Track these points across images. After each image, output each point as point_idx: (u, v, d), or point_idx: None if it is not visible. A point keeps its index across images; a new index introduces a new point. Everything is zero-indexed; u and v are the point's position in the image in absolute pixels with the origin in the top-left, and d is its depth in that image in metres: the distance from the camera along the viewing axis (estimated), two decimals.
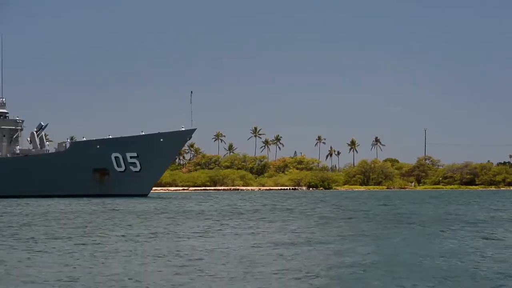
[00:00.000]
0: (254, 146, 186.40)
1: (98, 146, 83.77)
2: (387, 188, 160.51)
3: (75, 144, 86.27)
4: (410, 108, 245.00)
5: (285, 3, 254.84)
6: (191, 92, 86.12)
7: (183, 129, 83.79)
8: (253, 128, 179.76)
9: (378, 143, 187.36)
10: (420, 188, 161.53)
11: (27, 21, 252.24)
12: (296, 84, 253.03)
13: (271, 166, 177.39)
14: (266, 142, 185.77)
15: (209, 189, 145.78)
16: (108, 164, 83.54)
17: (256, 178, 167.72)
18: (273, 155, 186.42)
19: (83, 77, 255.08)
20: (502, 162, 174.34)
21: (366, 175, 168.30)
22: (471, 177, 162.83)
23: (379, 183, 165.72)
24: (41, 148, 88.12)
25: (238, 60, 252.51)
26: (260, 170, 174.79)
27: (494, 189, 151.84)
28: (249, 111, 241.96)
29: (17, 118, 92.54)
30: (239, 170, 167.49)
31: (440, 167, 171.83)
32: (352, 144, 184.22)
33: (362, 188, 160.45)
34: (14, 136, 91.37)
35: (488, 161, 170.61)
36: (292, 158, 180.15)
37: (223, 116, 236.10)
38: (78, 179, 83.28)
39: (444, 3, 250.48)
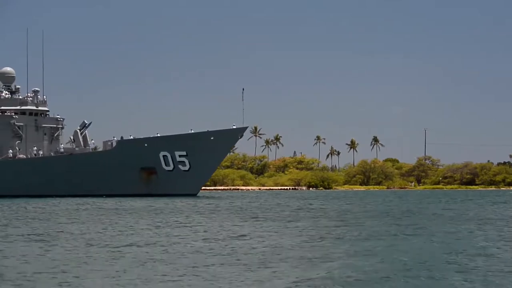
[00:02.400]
0: (254, 146, 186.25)
1: (146, 145, 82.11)
2: (387, 188, 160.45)
3: (122, 143, 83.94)
4: (410, 108, 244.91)
5: (284, 2, 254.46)
6: (243, 89, 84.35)
7: (234, 127, 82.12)
8: (253, 128, 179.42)
9: (378, 143, 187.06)
10: (420, 188, 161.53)
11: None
12: (296, 83, 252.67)
13: (271, 166, 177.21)
14: (266, 142, 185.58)
15: (209, 189, 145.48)
16: (156, 163, 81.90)
17: (256, 178, 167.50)
18: (273, 155, 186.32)
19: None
20: (502, 162, 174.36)
21: (366, 175, 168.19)
22: (471, 177, 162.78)
23: (379, 183, 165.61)
24: (84, 146, 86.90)
25: (238, 60, 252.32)
26: (260, 170, 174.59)
27: (494, 189, 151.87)
28: (249, 111, 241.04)
29: (58, 116, 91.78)
30: (239, 170, 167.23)
31: (440, 167, 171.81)
32: (352, 144, 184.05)
33: (362, 188, 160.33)
34: (55, 135, 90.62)
35: (488, 161, 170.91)
36: (292, 158, 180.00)
37: (223, 116, 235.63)
38: (124, 178, 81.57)
39: (444, 3, 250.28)
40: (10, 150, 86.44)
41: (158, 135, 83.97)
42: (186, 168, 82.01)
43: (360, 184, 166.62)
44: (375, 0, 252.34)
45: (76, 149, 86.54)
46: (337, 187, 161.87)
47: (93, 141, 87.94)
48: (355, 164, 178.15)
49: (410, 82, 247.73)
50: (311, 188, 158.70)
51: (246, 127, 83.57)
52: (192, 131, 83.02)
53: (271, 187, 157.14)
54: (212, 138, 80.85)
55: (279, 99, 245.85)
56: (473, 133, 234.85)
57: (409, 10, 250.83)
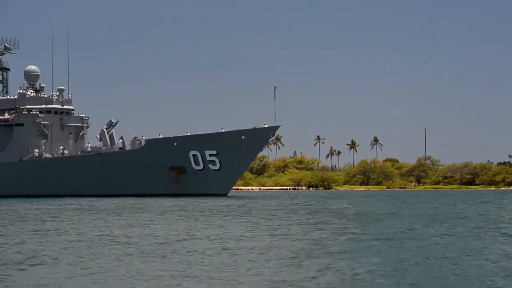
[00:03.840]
0: None
1: (175, 144, 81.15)
2: (387, 188, 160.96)
3: (151, 142, 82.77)
4: (410, 108, 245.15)
5: (283, 1, 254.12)
6: (275, 87, 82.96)
7: (266, 125, 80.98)
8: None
9: (378, 143, 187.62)
10: (420, 188, 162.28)
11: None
12: (295, 83, 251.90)
13: (271, 166, 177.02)
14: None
15: None
16: (185, 162, 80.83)
17: (256, 178, 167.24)
18: (273, 155, 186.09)
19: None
20: (502, 162, 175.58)
21: (366, 175, 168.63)
22: (471, 177, 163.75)
23: (379, 183, 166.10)
24: (111, 145, 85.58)
25: (238, 60, 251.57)
26: (260, 170, 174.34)
27: (494, 189, 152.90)
28: (249, 111, 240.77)
29: (83, 115, 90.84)
30: None
31: (440, 167, 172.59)
32: (352, 144, 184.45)
33: (362, 188, 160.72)
34: (81, 134, 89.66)
35: (488, 161, 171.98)
36: (292, 158, 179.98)
37: (223, 116, 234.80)
38: (153, 178, 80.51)
39: (444, 3, 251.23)
40: (36, 150, 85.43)
41: (188, 134, 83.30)
42: (217, 167, 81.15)
43: (360, 184, 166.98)
44: (375, 0, 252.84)
45: (103, 148, 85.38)
46: (337, 187, 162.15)
47: (121, 140, 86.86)
48: (355, 164, 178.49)
49: (410, 82, 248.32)
50: (311, 188, 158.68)
51: (278, 126, 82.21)
52: (223, 130, 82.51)
53: (271, 187, 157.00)
54: (243, 137, 79.94)
55: (279, 98, 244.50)
56: (473, 133, 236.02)
57: (409, 10, 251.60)
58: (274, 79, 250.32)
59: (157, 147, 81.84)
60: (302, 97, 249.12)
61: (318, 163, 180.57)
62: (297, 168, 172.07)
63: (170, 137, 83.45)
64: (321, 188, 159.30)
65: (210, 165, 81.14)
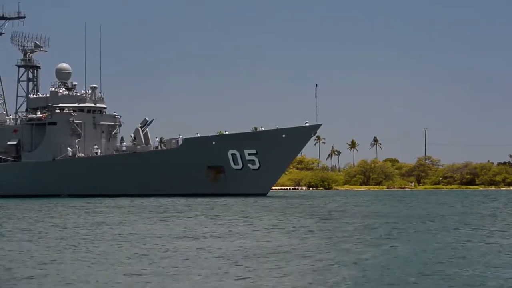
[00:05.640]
0: None
1: (213, 143, 79.94)
2: (387, 188, 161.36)
3: (188, 141, 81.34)
4: (410, 108, 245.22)
5: (284, 2, 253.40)
6: (316, 85, 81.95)
7: (307, 124, 79.88)
8: (253, 128, 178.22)
9: (377, 143, 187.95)
10: (420, 188, 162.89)
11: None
12: (295, 83, 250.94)
13: None
14: None
15: None
16: (224, 161, 79.55)
17: None
18: None
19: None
20: (502, 162, 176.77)
21: (366, 175, 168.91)
22: (471, 177, 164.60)
23: (379, 183, 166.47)
24: (146, 144, 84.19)
25: (237, 60, 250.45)
26: None
27: (494, 189, 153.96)
28: (249, 111, 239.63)
29: (115, 114, 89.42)
30: None
31: (440, 167, 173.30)
32: (352, 144, 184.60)
33: (363, 188, 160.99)
34: (113, 133, 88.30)
35: (488, 161, 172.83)
36: None
37: (223, 116, 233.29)
38: (190, 177, 79.13)
39: (444, 3, 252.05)
40: (69, 149, 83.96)
41: (227, 132, 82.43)
42: (256, 167, 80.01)
43: (360, 184, 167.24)
44: (375, 0, 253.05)
45: (138, 147, 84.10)
46: (337, 187, 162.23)
47: (157, 139, 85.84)
48: (355, 164, 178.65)
49: (410, 82, 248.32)
50: (311, 188, 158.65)
51: (320, 125, 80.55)
52: (263, 129, 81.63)
53: (271, 187, 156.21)
54: (283, 136, 78.92)
55: (279, 98, 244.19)
56: (473, 133, 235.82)
57: (409, 9, 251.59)
58: (273, 78, 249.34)
59: (194, 146, 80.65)
60: (302, 96, 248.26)
61: (318, 163, 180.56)
62: (297, 168, 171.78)
63: (208, 136, 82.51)
64: (321, 188, 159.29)
65: (249, 165, 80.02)
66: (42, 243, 25.98)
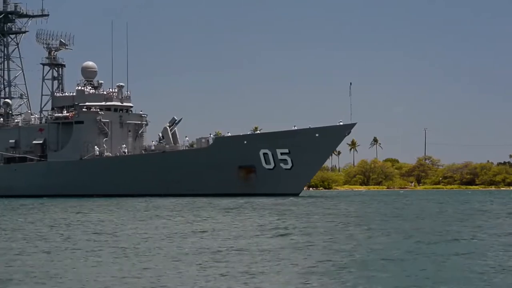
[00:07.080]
0: None
1: (245, 142, 78.80)
2: (387, 188, 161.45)
3: (219, 140, 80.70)
4: (410, 108, 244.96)
5: (284, 2, 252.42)
6: (350, 83, 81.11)
7: (341, 123, 78.66)
8: (253, 128, 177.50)
9: (377, 143, 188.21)
10: (420, 188, 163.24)
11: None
12: (295, 83, 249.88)
13: None
14: None
15: None
16: (255, 161, 78.36)
17: None
18: None
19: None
20: (502, 162, 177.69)
21: (366, 175, 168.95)
22: (471, 177, 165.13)
23: (379, 183, 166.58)
24: (174, 144, 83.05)
25: (238, 59, 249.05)
26: None
27: (494, 189, 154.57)
28: (249, 110, 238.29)
29: (142, 112, 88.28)
30: None
31: (440, 167, 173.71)
32: (352, 144, 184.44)
33: (363, 188, 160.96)
34: (140, 132, 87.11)
35: (488, 161, 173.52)
36: None
37: (224, 116, 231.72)
38: (221, 177, 77.83)
39: (444, 2, 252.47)
40: (96, 148, 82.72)
41: (259, 131, 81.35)
42: (288, 166, 78.87)
43: (360, 184, 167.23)
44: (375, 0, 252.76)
45: (166, 146, 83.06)
46: (337, 187, 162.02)
47: (187, 138, 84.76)
48: (355, 164, 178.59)
49: (410, 82, 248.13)
50: (311, 188, 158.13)
51: (354, 124, 79.29)
52: (296, 128, 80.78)
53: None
54: (317, 135, 77.95)
55: (279, 98, 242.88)
56: (473, 133, 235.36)
57: (409, 9, 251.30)
58: (273, 78, 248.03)
59: (225, 145, 79.64)
60: (301, 96, 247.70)
61: None
62: None
63: (240, 135, 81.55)
64: (321, 188, 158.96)
65: (282, 164, 78.91)
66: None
